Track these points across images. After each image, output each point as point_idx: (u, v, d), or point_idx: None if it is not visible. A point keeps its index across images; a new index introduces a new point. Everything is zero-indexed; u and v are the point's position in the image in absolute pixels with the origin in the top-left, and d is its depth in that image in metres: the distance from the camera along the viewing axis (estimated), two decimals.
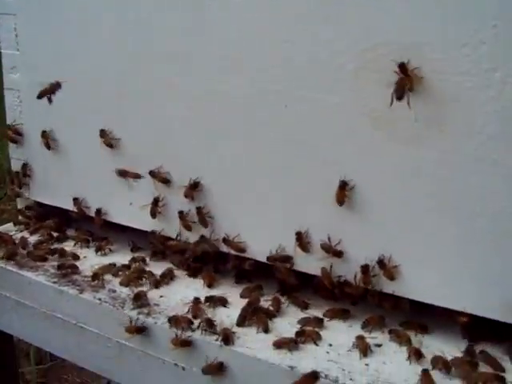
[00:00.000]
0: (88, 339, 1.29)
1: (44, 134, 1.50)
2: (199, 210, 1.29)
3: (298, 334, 1.14)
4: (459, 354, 1.08)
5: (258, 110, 1.19)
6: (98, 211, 1.46)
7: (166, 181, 1.32)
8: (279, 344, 1.10)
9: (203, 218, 1.28)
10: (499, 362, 1.05)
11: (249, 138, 1.22)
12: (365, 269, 1.14)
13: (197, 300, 1.23)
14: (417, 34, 1.00)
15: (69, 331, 1.32)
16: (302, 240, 1.18)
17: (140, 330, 1.17)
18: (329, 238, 1.17)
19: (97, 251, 1.49)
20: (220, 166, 1.27)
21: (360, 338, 1.12)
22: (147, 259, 1.43)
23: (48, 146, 1.50)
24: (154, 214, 1.34)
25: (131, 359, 1.23)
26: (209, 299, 1.24)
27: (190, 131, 1.29)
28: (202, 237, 1.31)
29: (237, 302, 1.25)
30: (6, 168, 4.13)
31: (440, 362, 1.03)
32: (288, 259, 1.22)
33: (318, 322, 1.18)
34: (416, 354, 1.07)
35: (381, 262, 1.13)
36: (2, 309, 1.43)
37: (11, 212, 3.78)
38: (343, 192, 1.11)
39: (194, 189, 1.27)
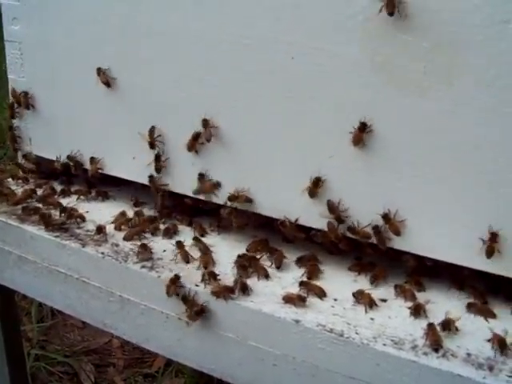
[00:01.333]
0: (90, 294, 1.29)
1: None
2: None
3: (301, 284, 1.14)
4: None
5: (268, 60, 1.16)
6: (92, 159, 1.45)
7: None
8: (288, 299, 1.10)
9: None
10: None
11: (258, 89, 1.20)
12: (376, 230, 1.13)
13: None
14: None
15: (71, 286, 1.31)
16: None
17: (201, 312, 1.12)
18: (338, 202, 1.16)
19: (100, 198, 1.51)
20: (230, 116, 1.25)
21: (362, 293, 1.12)
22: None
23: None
24: (158, 170, 1.32)
25: (134, 313, 1.23)
26: None
27: (199, 78, 1.26)
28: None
29: None
30: (5, 128, 4.16)
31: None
32: None
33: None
34: (420, 309, 1.07)
35: (386, 216, 1.11)
36: (4, 264, 1.42)
37: (11, 172, 3.78)
38: (361, 134, 1.09)
39: (196, 140, 1.25)
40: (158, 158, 1.31)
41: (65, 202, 1.49)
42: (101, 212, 1.45)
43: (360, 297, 1.11)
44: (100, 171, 1.46)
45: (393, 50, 1.03)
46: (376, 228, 1.13)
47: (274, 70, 1.16)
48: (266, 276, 1.17)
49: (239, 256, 1.22)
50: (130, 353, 2.54)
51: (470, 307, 1.08)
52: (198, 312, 1.10)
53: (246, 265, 1.19)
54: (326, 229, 1.18)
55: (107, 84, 1.36)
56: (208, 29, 1.21)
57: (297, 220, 1.21)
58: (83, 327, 2.65)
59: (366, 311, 1.08)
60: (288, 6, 1.11)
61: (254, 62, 1.18)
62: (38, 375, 2.31)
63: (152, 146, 1.31)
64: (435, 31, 0.99)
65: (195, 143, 1.26)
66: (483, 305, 1.09)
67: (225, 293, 1.10)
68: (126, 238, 1.30)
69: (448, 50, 0.99)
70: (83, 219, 1.38)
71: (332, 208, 1.15)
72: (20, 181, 1.60)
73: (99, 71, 1.36)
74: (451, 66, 0.99)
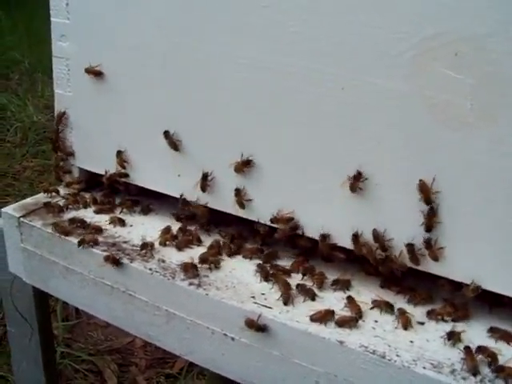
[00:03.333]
0: (136, 306, 1.34)
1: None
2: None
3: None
4: None
5: (313, 94, 1.21)
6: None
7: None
8: (342, 322, 1.15)
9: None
10: None
11: (300, 120, 1.24)
12: (410, 247, 1.18)
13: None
14: (479, 25, 1.02)
15: (117, 298, 1.37)
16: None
17: (261, 329, 1.16)
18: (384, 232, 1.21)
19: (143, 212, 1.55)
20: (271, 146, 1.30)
21: (402, 313, 1.17)
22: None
23: None
24: (204, 189, 1.37)
25: (179, 328, 1.28)
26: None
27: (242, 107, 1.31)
28: None
29: None
30: (27, 126, 4.22)
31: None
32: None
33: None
34: (455, 336, 1.11)
35: (427, 243, 1.16)
36: (49, 273, 1.48)
37: (33, 169, 3.85)
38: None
39: (245, 165, 1.30)
40: (205, 177, 1.36)
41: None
42: (144, 226, 1.50)
43: (400, 316, 1.16)
44: (143, 185, 1.50)
45: (440, 86, 1.08)
46: (410, 246, 1.18)
47: (321, 101, 1.20)
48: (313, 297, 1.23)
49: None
50: (152, 353, 2.60)
51: (492, 332, 1.13)
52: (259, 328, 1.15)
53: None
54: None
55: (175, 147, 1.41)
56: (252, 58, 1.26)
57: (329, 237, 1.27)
58: (106, 326, 2.71)
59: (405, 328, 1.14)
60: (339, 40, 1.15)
61: (302, 92, 1.22)
62: (63, 372, 2.37)
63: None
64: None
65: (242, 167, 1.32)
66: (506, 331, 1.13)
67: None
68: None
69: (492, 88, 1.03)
70: None
71: (377, 237, 1.20)
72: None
73: (166, 135, 1.41)
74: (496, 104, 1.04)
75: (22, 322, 1.70)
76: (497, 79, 1.02)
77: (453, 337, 1.11)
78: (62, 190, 1.64)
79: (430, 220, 1.14)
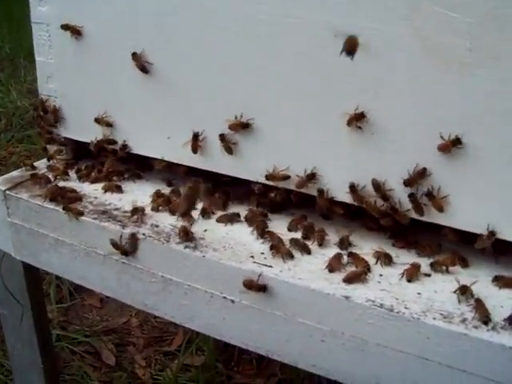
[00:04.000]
0: (131, 275, 1.29)
1: None
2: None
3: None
4: None
5: (306, 44, 1.16)
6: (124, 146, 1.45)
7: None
8: (351, 278, 1.10)
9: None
10: None
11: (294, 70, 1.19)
12: (413, 197, 1.14)
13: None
14: None
15: (110, 267, 1.32)
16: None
17: (261, 289, 1.12)
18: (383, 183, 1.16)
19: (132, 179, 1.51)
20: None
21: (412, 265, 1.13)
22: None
23: None
24: (195, 150, 1.32)
25: (177, 294, 1.23)
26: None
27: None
28: None
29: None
30: (11, 111, 4.15)
31: None
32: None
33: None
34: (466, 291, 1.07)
35: (430, 194, 1.12)
36: (40, 247, 1.42)
37: (20, 154, 3.77)
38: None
39: (243, 127, 1.25)
40: (195, 136, 1.30)
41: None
42: (135, 193, 1.45)
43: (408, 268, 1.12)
44: (131, 151, 1.44)
45: (437, 27, 1.02)
46: (412, 196, 1.13)
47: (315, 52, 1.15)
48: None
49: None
50: (149, 331, 2.56)
51: (497, 280, 1.10)
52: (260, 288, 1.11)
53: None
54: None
55: (143, 69, 1.34)
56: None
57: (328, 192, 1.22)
58: (101, 307, 2.67)
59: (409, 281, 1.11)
60: None
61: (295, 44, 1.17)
62: (60, 355, 2.33)
63: None
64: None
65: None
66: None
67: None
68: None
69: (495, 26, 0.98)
70: None
71: (377, 186, 1.15)
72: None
73: (135, 56, 1.34)
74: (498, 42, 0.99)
75: (14, 302, 1.65)
76: (498, 15, 0.97)
77: (465, 291, 1.06)
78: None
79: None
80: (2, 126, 4.23)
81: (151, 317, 2.60)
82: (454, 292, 1.06)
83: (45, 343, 1.75)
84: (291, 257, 1.17)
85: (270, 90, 1.22)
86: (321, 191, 1.21)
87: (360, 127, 1.14)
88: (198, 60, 1.29)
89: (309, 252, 1.19)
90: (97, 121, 1.46)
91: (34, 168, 1.57)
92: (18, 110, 4.36)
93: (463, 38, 1.01)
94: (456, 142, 1.06)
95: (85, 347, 2.43)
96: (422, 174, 1.11)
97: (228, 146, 1.29)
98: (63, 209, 1.34)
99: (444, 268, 1.14)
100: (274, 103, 1.23)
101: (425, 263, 1.16)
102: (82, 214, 1.32)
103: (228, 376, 2.30)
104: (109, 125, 1.45)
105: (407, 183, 1.13)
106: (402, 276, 1.12)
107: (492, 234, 1.08)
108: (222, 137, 1.28)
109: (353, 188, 1.18)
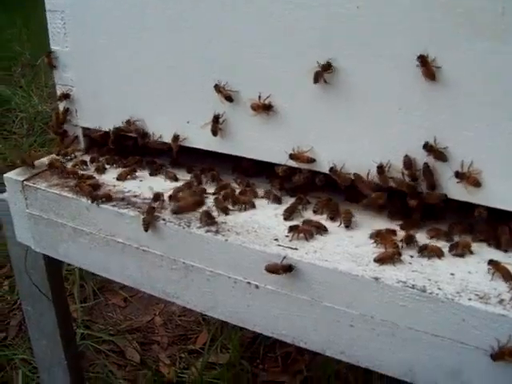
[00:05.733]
0: (151, 263, 1.25)
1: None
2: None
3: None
4: None
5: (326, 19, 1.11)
6: (176, 137, 1.38)
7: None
8: (382, 259, 1.05)
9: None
10: None
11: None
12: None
13: None
14: None
15: (130, 256, 1.28)
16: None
17: (288, 269, 1.07)
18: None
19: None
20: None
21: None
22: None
23: None
24: (215, 132, 1.27)
25: (199, 280, 1.19)
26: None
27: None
28: None
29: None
30: (33, 116, 4.17)
31: None
32: None
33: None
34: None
35: (460, 174, 1.07)
36: (58, 238, 1.40)
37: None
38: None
39: (266, 109, 1.21)
40: (216, 119, 1.26)
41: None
42: (154, 179, 1.42)
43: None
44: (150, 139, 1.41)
45: None
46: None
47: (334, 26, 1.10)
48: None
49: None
50: (173, 330, 2.53)
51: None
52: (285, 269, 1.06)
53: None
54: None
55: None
56: None
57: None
58: (125, 306, 2.64)
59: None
60: None
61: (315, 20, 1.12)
62: (85, 353, 2.30)
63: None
64: None
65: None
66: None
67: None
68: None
69: None
70: None
71: (409, 164, 1.10)
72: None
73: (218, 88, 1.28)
74: None
75: (37, 299, 1.63)
76: None
77: (497, 267, 1.01)
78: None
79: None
80: (24, 131, 4.25)
81: (175, 315, 2.58)
82: (488, 271, 1.01)
83: (68, 340, 1.72)
84: (311, 235, 1.12)
85: (293, 69, 1.18)
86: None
87: None
88: (216, 39, 1.25)
89: (325, 229, 1.15)
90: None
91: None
92: (40, 114, 4.38)
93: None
94: None
95: (109, 346, 2.41)
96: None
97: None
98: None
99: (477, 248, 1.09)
100: (297, 84, 1.18)
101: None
102: (110, 198, 1.30)
103: (253, 373, 2.25)
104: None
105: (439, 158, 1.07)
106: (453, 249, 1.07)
107: None
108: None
109: (380, 169, 1.13)
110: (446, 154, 1.08)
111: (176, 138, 1.35)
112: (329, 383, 2.11)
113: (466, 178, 1.06)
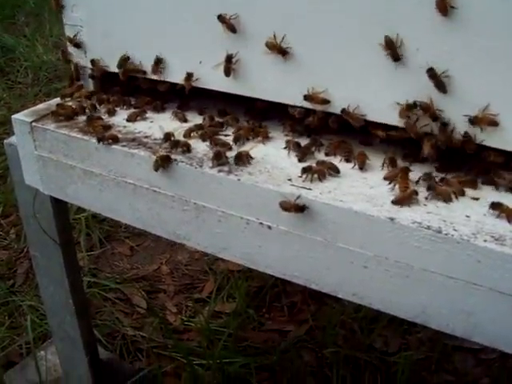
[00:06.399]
0: (162, 204, 1.24)
1: None
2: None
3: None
4: None
5: None
6: (189, 75, 1.34)
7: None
8: (400, 200, 1.03)
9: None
10: None
11: None
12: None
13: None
14: None
15: (140, 197, 1.27)
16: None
17: (300, 209, 1.05)
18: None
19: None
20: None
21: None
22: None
23: None
24: (227, 72, 1.25)
25: (210, 221, 1.18)
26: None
27: None
28: None
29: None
30: (38, 66, 4.12)
31: None
32: None
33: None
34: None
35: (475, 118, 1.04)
36: (67, 179, 1.38)
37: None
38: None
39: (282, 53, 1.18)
40: (229, 59, 1.23)
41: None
42: (165, 122, 1.38)
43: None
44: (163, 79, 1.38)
45: None
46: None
47: None
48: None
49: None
50: (179, 279, 2.54)
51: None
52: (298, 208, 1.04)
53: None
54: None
55: None
56: None
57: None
58: (131, 255, 2.66)
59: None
60: None
61: None
62: (92, 301, 2.32)
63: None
64: None
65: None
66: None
67: None
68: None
69: None
70: None
71: (426, 107, 1.07)
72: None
73: None
74: None
75: (44, 244, 1.62)
76: None
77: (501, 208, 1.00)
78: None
79: None
80: (29, 81, 4.21)
81: (181, 264, 2.59)
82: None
83: (75, 285, 1.72)
84: (324, 176, 1.11)
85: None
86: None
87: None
88: None
89: (337, 171, 1.13)
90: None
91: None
92: (45, 64, 4.34)
93: None
94: None
95: (116, 294, 2.43)
96: None
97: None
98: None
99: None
100: (313, 24, 1.15)
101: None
102: (117, 139, 1.28)
103: (259, 322, 2.27)
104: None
105: None
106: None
107: None
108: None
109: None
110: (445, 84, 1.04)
111: (189, 76, 1.32)
112: (334, 332, 2.13)
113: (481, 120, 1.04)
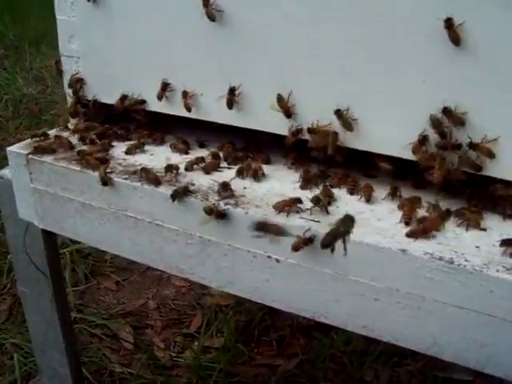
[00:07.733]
0: (164, 238, 1.22)
1: None
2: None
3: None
4: None
5: None
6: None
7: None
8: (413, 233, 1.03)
9: None
10: None
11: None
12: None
13: None
14: None
15: (142, 231, 1.25)
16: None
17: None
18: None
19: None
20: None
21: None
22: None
23: None
24: (230, 105, 1.25)
25: (216, 255, 1.17)
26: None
27: None
28: None
29: None
30: (18, 98, 4.10)
31: None
32: None
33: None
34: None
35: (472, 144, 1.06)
36: (66, 213, 1.35)
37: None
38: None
39: None
40: (232, 91, 1.23)
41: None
42: (166, 154, 1.38)
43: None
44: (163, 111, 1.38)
45: None
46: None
47: None
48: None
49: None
50: (166, 314, 2.50)
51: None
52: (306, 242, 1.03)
53: None
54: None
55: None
56: None
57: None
58: (117, 290, 2.61)
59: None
60: None
61: None
62: (78, 337, 2.26)
63: None
64: None
65: None
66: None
67: None
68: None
69: None
70: None
71: (437, 124, 1.08)
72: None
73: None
74: None
75: (35, 280, 1.58)
76: None
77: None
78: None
79: None
80: (10, 114, 4.17)
81: (169, 299, 2.55)
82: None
83: (64, 320, 1.69)
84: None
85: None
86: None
87: None
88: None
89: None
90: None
91: (46, 135, 1.46)
92: (25, 97, 4.31)
93: None
94: None
95: (103, 330, 2.37)
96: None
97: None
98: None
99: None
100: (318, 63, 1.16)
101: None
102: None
103: (249, 357, 2.23)
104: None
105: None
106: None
107: None
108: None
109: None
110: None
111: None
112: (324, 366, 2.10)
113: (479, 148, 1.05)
